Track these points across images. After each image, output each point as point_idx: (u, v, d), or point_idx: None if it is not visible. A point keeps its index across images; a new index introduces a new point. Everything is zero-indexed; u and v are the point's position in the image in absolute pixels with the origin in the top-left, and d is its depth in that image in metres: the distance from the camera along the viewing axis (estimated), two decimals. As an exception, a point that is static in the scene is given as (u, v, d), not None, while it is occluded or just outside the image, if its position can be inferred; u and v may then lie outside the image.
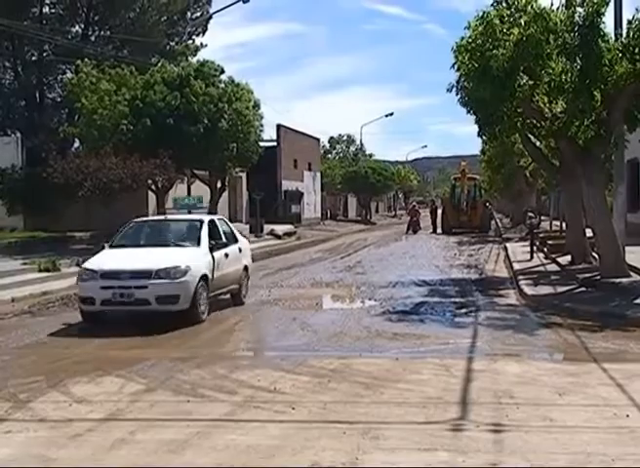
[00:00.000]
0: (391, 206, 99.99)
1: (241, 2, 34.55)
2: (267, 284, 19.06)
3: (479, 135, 18.03)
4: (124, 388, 8.59)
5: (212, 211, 29.53)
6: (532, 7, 15.77)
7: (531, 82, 16.19)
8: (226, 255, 14.59)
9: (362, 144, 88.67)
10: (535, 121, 18.05)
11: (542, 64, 15.78)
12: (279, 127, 51.71)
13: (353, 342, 11.34)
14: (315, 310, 15.32)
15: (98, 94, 26.24)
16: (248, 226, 38.64)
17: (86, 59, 27.77)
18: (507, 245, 30.32)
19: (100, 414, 7.50)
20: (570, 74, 15.40)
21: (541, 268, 20.79)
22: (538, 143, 21.55)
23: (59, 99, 34.67)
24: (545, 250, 24.25)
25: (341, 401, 7.85)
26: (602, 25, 15.31)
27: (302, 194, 54.88)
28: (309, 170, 58.68)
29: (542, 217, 40.56)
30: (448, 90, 17.19)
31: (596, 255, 18.20)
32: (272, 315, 14.50)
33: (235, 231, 16.45)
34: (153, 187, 26.90)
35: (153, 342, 11.68)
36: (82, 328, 12.91)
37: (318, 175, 61.85)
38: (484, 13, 16.00)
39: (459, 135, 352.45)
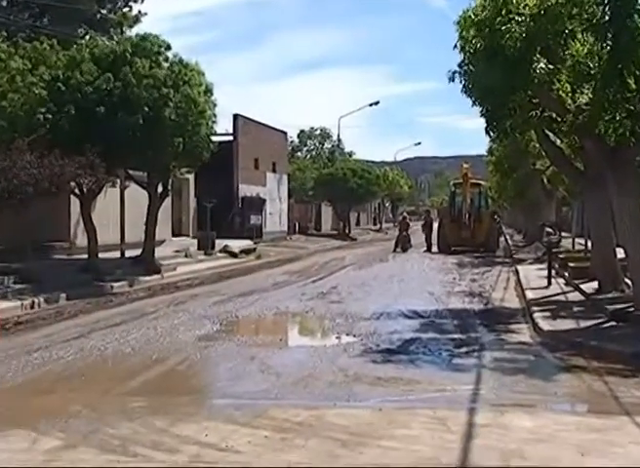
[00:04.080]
0: (376, 217, 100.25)
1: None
2: (219, 314, 19.00)
3: (486, 130, 18.11)
4: (36, 444, 8.50)
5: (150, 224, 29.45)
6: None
7: (550, 66, 16.30)
8: None
9: (340, 140, 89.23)
10: (554, 114, 18.19)
11: (564, 44, 15.91)
12: (236, 117, 51.73)
13: (326, 388, 11.31)
14: (279, 348, 15.27)
15: (8, 73, 26.07)
16: (196, 242, 38.60)
17: (-6, 30, 27.64)
18: (519, 267, 30.45)
19: (5, 478, 7.42)
20: (597, 57, 15.52)
21: (561, 297, 20.89)
22: (558, 142, 21.70)
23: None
24: (566, 274, 24.37)
25: (310, 462, 7.82)
26: (638, -3, 15.45)
27: (265, 202, 54.87)
28: (274, 171, 58.71)
29: (563, 234, 40.85)
30: (450, 78, 17.30)
31: (629, 282, 18.31)
32: (224, 353, 14.43)
33: None
34: (77, 192, 26.73)
35: (75, 386, 11.63)
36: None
37: (285, 177, 61.89)
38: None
39: (460, 130, 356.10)
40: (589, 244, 24.42)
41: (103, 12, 36.91)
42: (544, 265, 25.46)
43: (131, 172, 29.65)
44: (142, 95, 25.77)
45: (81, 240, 28.99)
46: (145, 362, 13.46)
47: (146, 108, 25.85)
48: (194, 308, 20.32)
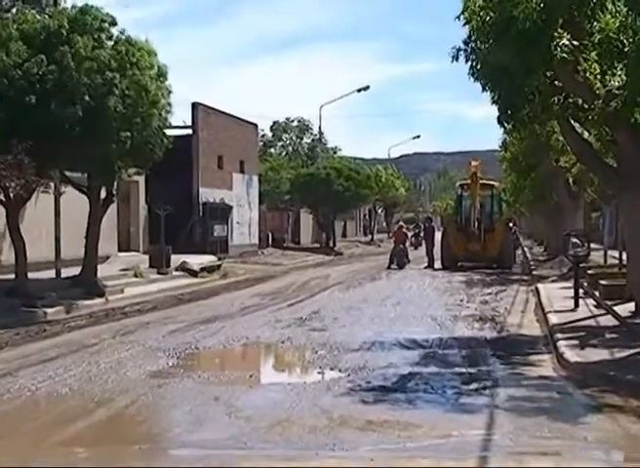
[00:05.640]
0: (366, 226, 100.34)
1: None
2: (175, 345, 18.95)
3: (499, 120, 18.16)
4: (-48, 507, 8.47)
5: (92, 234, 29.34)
6: None
7: (574, 42, 16.37)
8: None
9: (322, 133, 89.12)
10: (580, 101, 18.25)
11: (591, 16, 15.97)
12: (196, 106, 51.66)
13: (306, 435, 11.31)
14: (249, 386, 15.26)
15: None
16: (147, 258, 38.45)
17: None
18: (540, 286, 30.51)
19: None
20: (632, 31, 15.59)
21: (591, 322, 20.93)
22: (585, 134, 21.75)
23: None
24: (597, 294, 24.43)
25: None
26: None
27: (231, 209, 54.85)
28: (241, 172, 58.70)
29: (592, 245, 40.98)
30: (453, 57, 17.34)
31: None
32: (183, 393, 14.41)
33: None
34: (2, 197, 26.64)
35: (0, 435, 11.58)
36: None
37: (255, 179, 61.91)
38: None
39: (468, 120, 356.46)
40: (624, 257, 24.47)
41: (34, -20, 36.84)
42: (570, 284, 25.52)
43: (67, 173, 29.53)
44: (83, 80, 25.65)
45: (7, 256, 28.91)
46: (86, 404, 13.41)
47: (87, 97, 25.75)
48: (145, 339, 20.28)
